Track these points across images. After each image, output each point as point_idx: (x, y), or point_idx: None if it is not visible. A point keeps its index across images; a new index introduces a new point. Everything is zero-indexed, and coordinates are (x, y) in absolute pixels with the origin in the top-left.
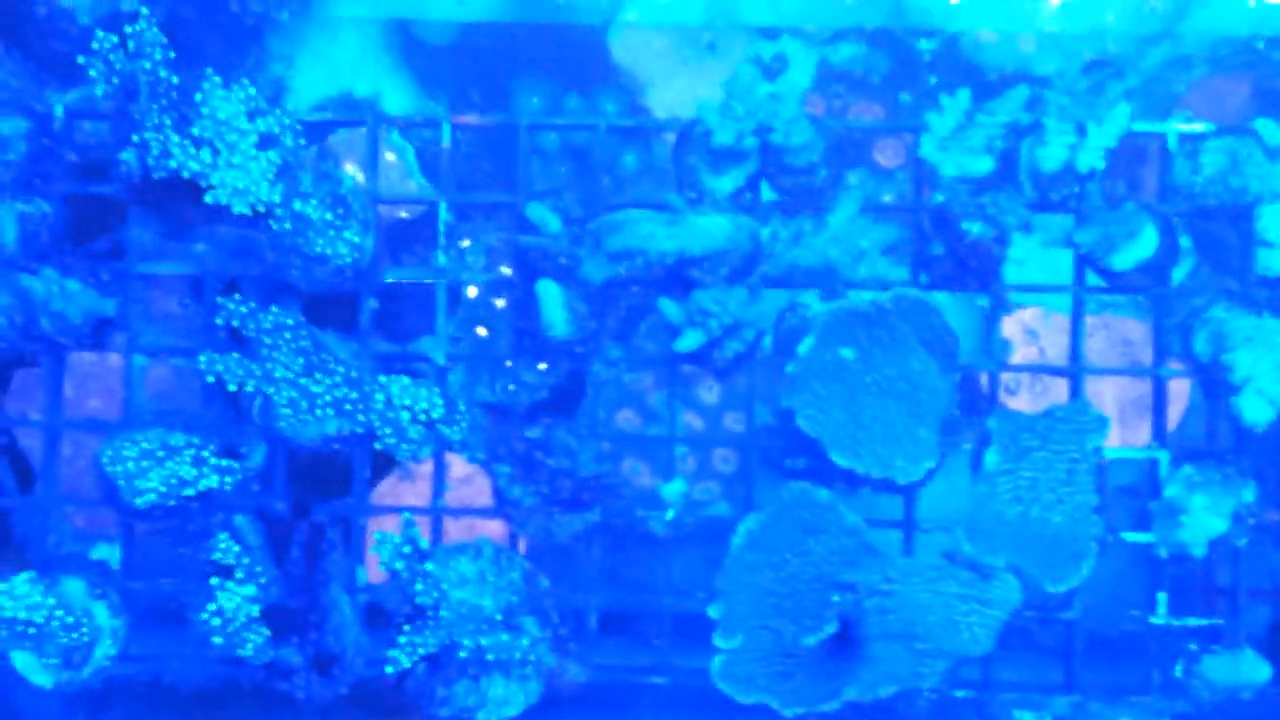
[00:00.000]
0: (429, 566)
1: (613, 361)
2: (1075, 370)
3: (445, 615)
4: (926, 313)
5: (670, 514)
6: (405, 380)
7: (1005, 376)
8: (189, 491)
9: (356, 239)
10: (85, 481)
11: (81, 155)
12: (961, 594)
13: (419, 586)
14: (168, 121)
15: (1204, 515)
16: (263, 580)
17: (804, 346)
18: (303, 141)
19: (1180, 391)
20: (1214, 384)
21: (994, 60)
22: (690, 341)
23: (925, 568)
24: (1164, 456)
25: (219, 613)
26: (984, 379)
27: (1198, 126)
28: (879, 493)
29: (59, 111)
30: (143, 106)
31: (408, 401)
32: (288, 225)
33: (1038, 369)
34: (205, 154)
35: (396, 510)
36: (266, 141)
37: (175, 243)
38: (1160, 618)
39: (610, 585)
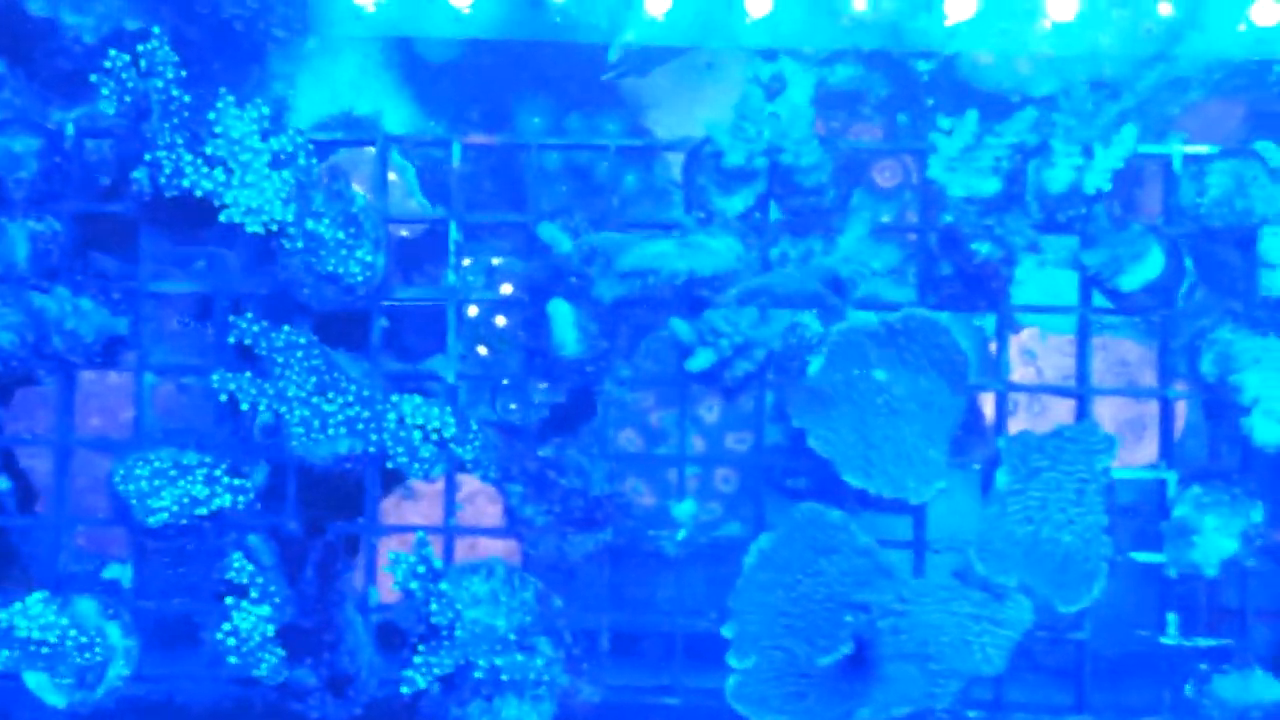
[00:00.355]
0: (443, 586)
1: (623, 380)
2: (1083, 391)
3: (460, 635)
4: (936, 332)
5: (682, 534)
6: (418, 399)
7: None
8: (201, 511)
9: (369, 258)
10: (88, 500)
11: (92, 173)
12: (974, 614)
13: (434, 606)
14: (180, 140)
15: (1215, 536)
16: (277, 600)
17: (814, 367)
18: (315, 161)
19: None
20: (1219, 405)
21: (991, 82)
22: (702, 361)
23: (938, 588)
24: (1172, 477)
25: (234, 632)
26: (985, 400)
27: (1202, 148)
28: (881, 513)
29: (70, 130)
30: (154, 125)
31: (420, 420)
32: (300, 244)
33: (1046, 389)
34: (218, 173)
35: (409, 529)
36: (279, 161)
37: (185, 261)
38: (1171, 638)
39: (619, 605)
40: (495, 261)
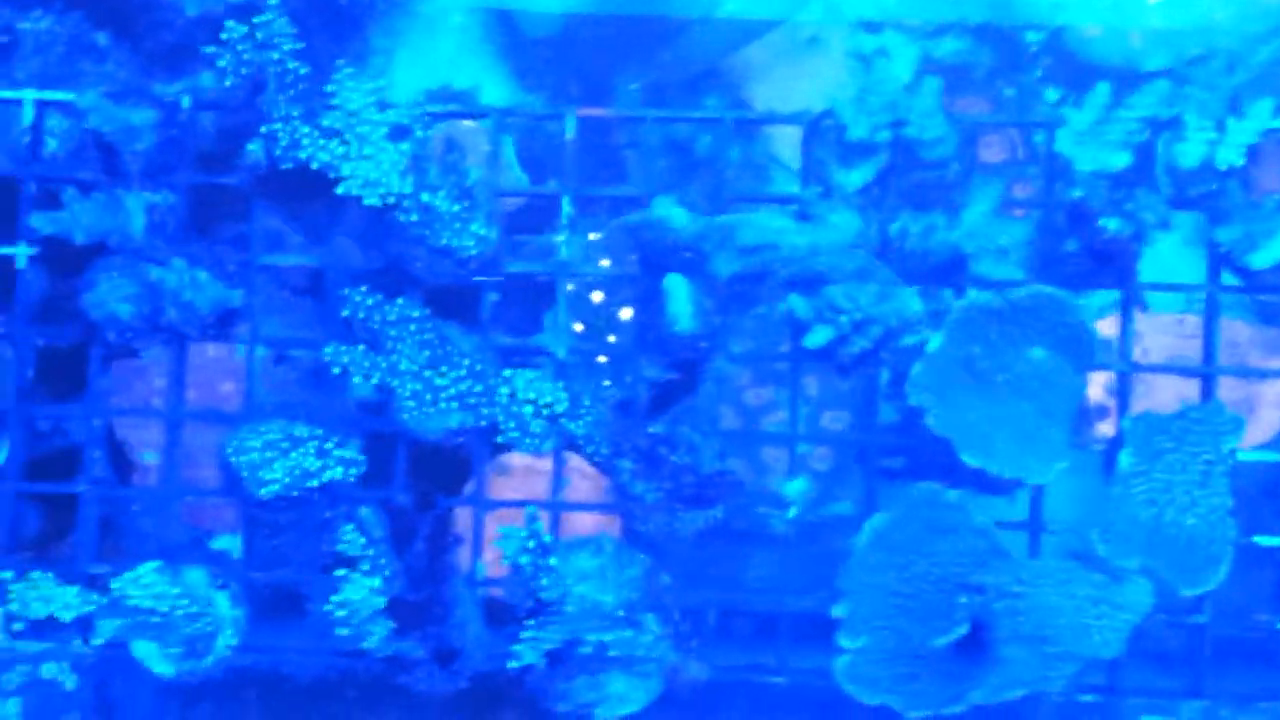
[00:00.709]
0: (553, 561)
1: (735, 357)
2: (1209, 371)
3: (569, 610)
4: (1062, 310)
5: (793, 512)
6: (530, 374)
7: None
8: (312, 483)
9: (482, 231)
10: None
11: (206, 145)
12: (1094, 597)
13: (543, 581)
14: (295, 113)
15: None
16: (387, 572)
17: (934, 344)
18: (431, 133)
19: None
20: None
21: (1100, 55)
22: (820, 337)
23: (1056, 570)
24: None
25: (345, 604)
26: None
27: None
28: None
29: (186, 103)
30: (270, 97)
31: (532, 395)
32: (415, 217)
33: (1170, 369)
34: (335, 145)
35: (518, 504)
36: (397, 133)
37: (299, 234)
38: None
39: (724, 582)
40: (593, 237)
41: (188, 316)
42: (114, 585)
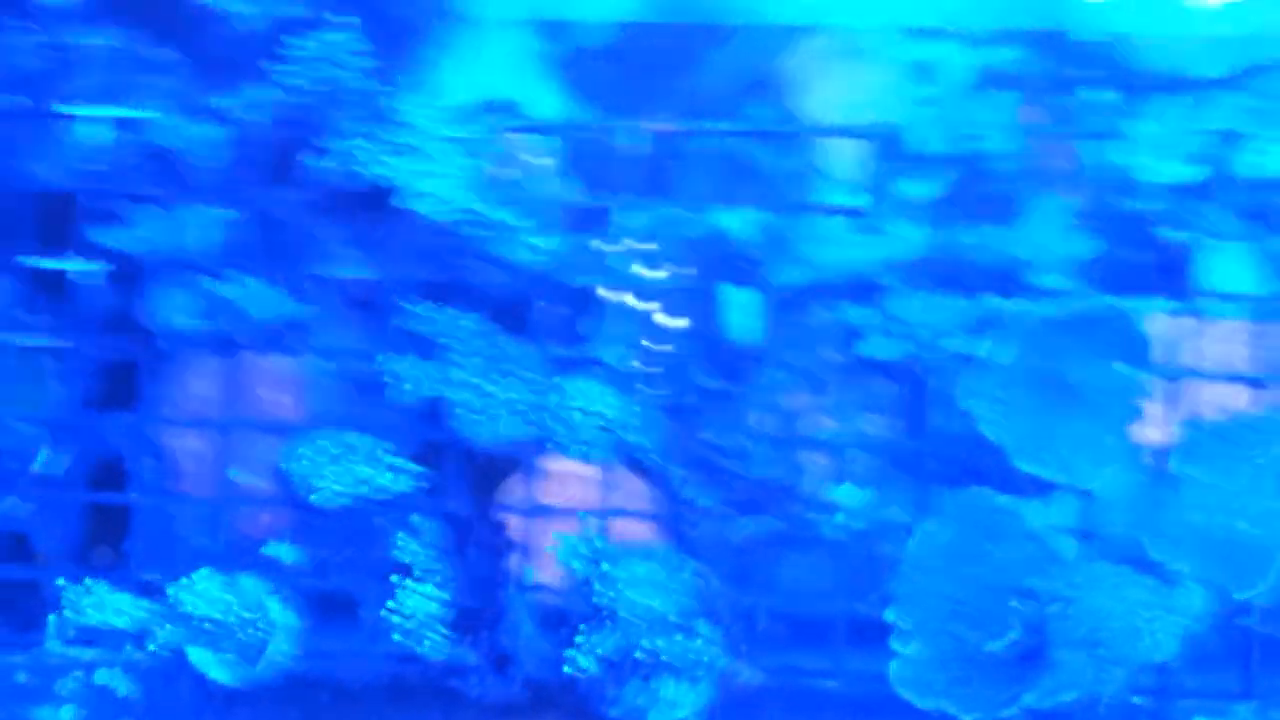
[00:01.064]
0: (607, 568)
1: (790, 367)
2: (1263, 378)
3: (623, 616)
4: (1120, 320)
5: (841, 518)
6: (584, 383)
7: None
8: (365, 490)
9: (541, 243)
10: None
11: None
12: (1146, 600)
13: (597, 587)
14: (363, 129)
15: None
16: (440, 579)
17: (989, 352)
18: (497, 148)
19: None
20: None
21: (1156, 63)
22: (878, 347)
23: (1109, 574)
24: None
25: (400, 610)
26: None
27: None
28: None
29: (252, 119)
30: (339, 115)
31: (585, 404)
32: (480, 231)
33: (1229, 377)
34: (403, 161)
35: (569, 512)
36: (464, 148)
37: (361, 248)
38: None
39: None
40: (650, 247)
41: (251, 329)
42: (170, 592)
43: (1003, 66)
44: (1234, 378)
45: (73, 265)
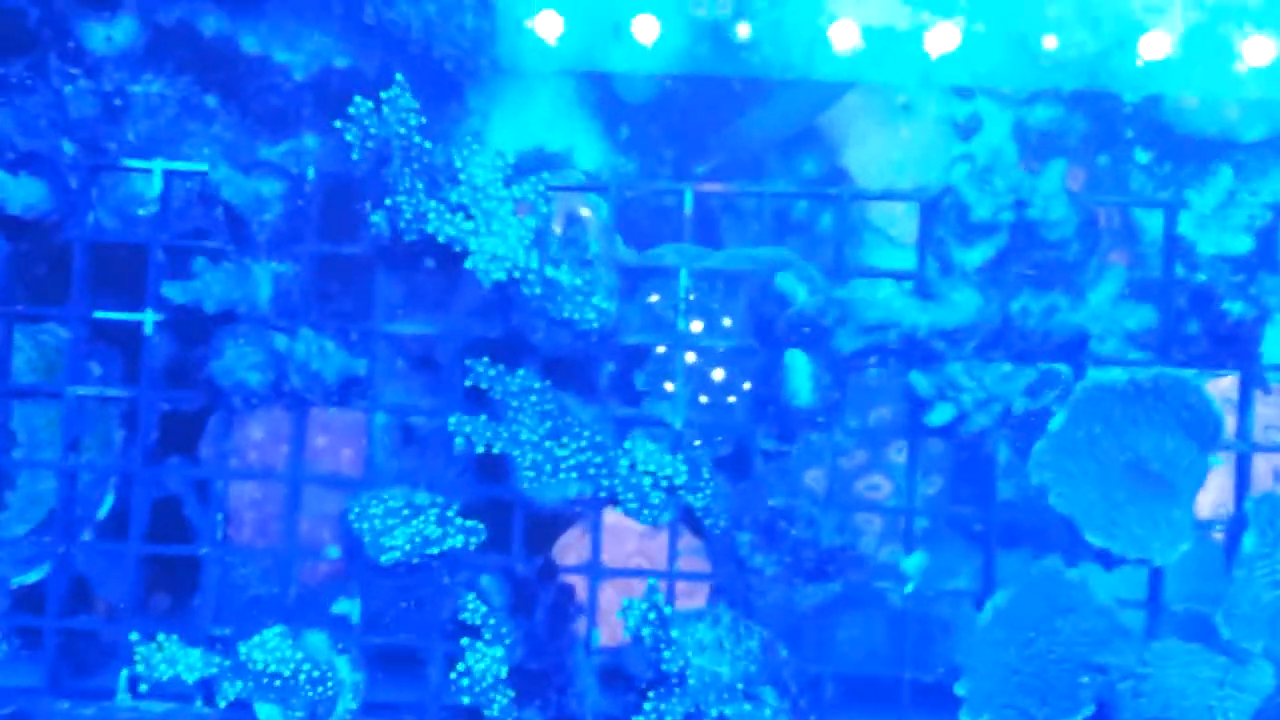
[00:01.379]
0: (674, 633)
1: (851, 431)
2: None
3: (692, 683)
4: (1186, 392)
5: (910, 586)
6: (650, 446)
7: None
8: (433, 550)
9: (604, 304)
10: (272, 529)
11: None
12: (1217, 678)
13: (665, 654)
14: (420, 185)
15: None
16: (508, 641)
17: (1056, 423)
18: (553, 207)
19: None
20: None
21: (1197, 126)
22: (942, 415)
23: (1180, 651)
24: None
25: (468, 672)
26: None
27: None
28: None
29: (311, 174)
30: (395, 170)
31: (652, 467)
32: (538, 290)
33: None
34: (460, 219)
35: (637, 574)
36: (517, 205)
37: (421, 305)
38: None
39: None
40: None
41: (312, 384)
42: (240, 649)
43: (1041, 125)
44: None
45: (137, 317)
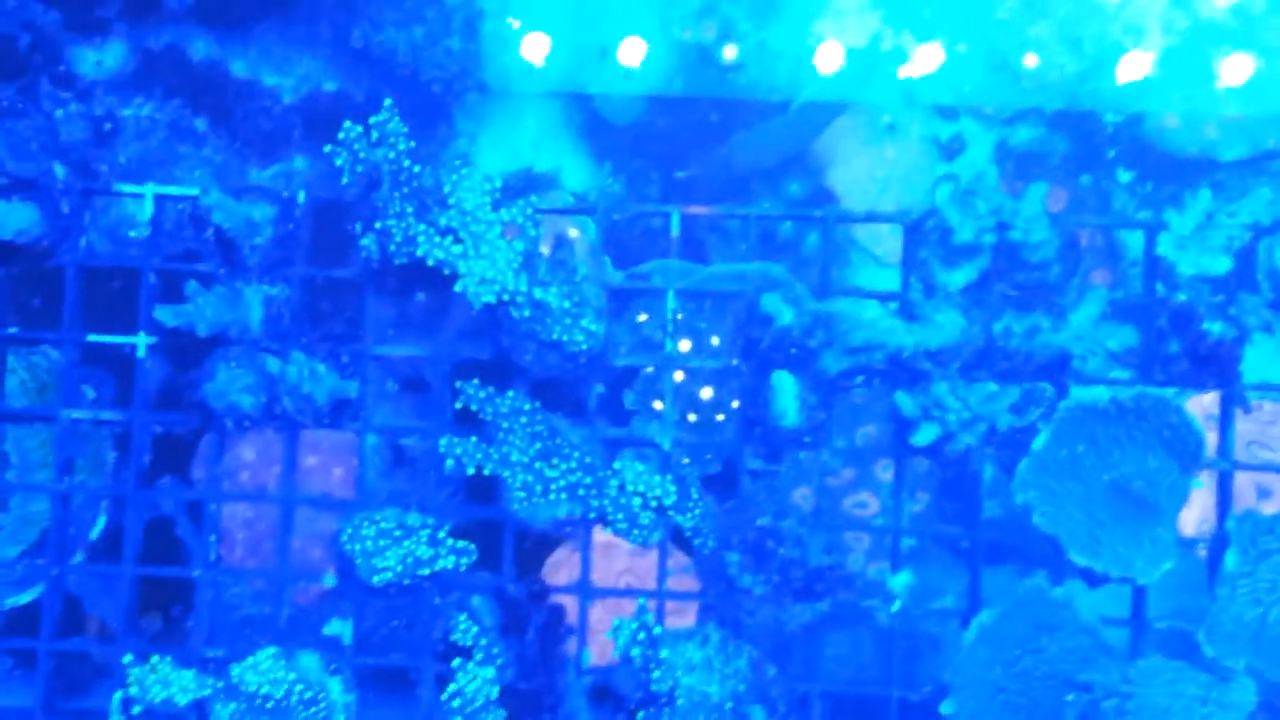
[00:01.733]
0: (664, 653)
1: (839, 451)
2: None
3: (681, 703)
4: (1168, 411)
5: (897, 605)
6: (639, 466)
7: None
8: (424, 571)
9: (593, 327)
10: (261, 552)
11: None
12: (1201, 696)
13: (655, 674)
14: (410, 209)
15: None
16: (500, 662)
17: (1039, 442)
18: (541, 230)
19: None
20: None
21: (1178, 145)
22: (927, 435)
23: (1164, 669)
24: None
25: (459, 693)
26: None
27: None
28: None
29: (301, 197)
30: (385, 194)
31: (641, 488)
32: (527, 313)
33: (1273, 468)
34: (450, 242)
35: (628, 593)
36: (505, 228)
37: (410, 327)
38: None
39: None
40: (679, 316)
41: (303, 407)
42: (234, 670)
43: (1023, 145)
44: None
45: (129, 340)
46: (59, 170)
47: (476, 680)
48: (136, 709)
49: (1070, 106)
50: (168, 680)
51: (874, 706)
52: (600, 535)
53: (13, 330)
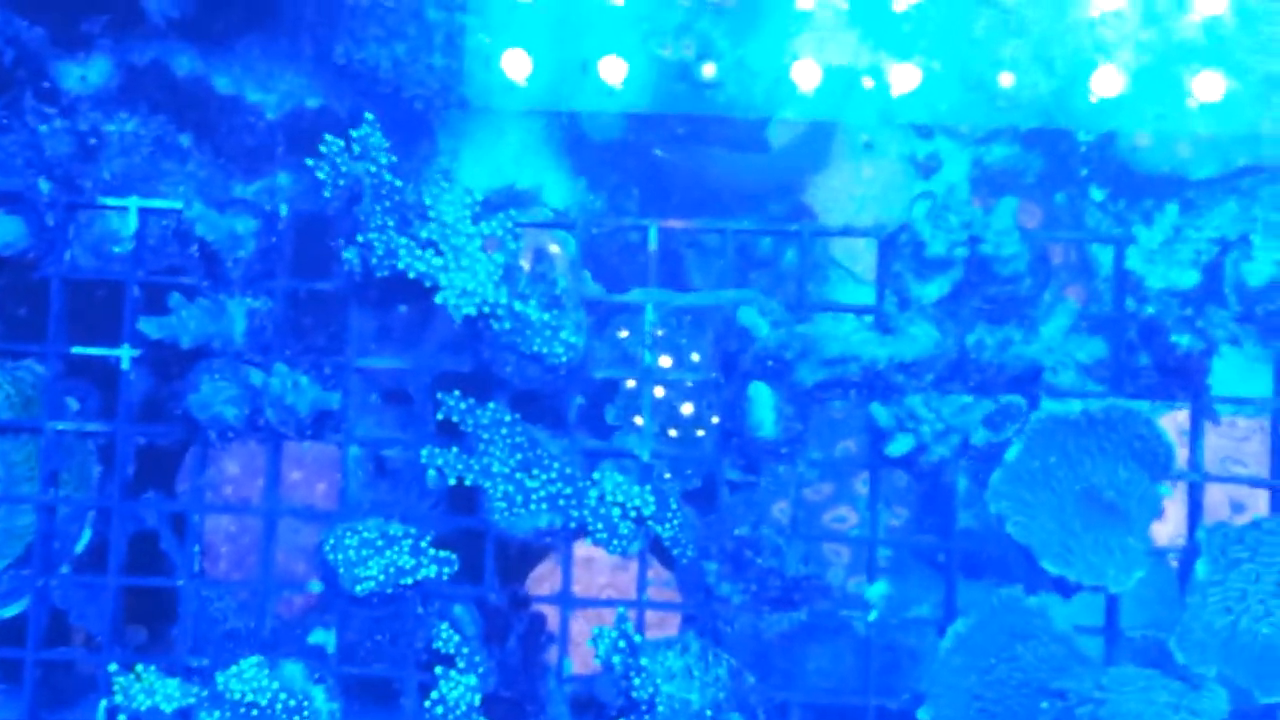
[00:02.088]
0: (644, 661)
1: (814, 462)
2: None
3: (661, 710)
4: (1137, 423)
5: (874, 615)
6: (619, 477)
7: None
8: (407, 580)
9: (573, 339)
10: (247, 563)
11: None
12: (1173, 703)
13: (635, 681)
14: (391, 223)
15: None
16: (481, 670)
17: (1012, 453)
18: (521, 244)
19: None
20: None
21: (1150, 164)
22: (901, 446)
23: (1136, 676)
24: None
25: (441, 701)
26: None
27: None
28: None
29: (284, 211)
30: (367, 208)
31: (620, 498)
32: (507, 325)
33: (1242, 480)
34: (430, 255)
35: (609, 603)
36: (486, 242)
37: (392, 339)
38: None
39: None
40: (659, 332)
41: (286, 418)
42: (218, 679)
43: (998, 163)
44: (1256, 482)
45: (114, 352)
46: (44, 185)
47: (459, 688)
48: (122, 717)
49: (1044, 125)
50: (152, 689)
51: (852, 714)
52: (581, 549)
53: None
